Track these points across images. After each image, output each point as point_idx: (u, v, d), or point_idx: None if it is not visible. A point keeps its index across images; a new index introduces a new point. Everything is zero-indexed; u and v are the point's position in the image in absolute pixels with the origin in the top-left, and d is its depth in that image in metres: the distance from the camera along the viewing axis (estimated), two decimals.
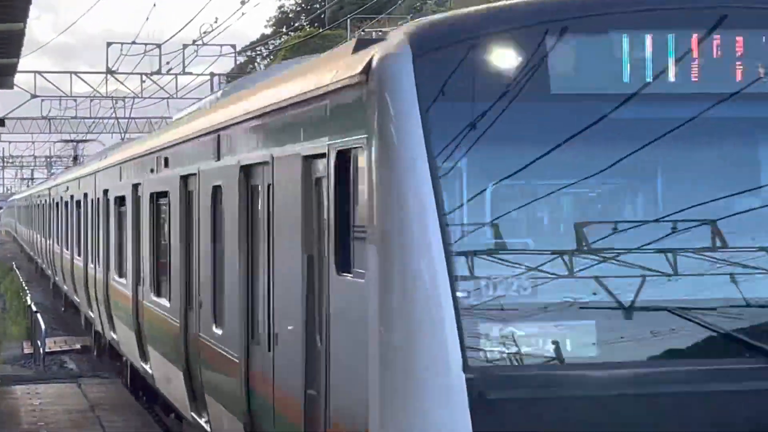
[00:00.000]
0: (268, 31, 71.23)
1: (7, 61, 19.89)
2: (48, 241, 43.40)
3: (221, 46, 47.33)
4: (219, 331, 12.23)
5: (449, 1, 54.03)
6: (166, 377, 16.18)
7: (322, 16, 56.05)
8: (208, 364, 12.97)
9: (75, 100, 57.69)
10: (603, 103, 7.35)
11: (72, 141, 61.23)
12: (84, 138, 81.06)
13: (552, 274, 7.17)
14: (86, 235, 27.59)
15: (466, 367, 6.86)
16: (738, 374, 7.13)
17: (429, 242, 6.96)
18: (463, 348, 6.89)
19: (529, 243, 7.40)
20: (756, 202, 7.54)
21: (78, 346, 32.09)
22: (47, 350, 29.70)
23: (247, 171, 10.99)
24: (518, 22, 7.39)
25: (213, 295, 12.58)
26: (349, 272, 7.86)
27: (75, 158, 47.54)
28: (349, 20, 49.50)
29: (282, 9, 71.97)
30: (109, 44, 46.47)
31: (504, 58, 7.28)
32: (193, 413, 14.16)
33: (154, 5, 40.83)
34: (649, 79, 7.42)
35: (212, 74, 50.42)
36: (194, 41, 45.05)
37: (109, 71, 47.35)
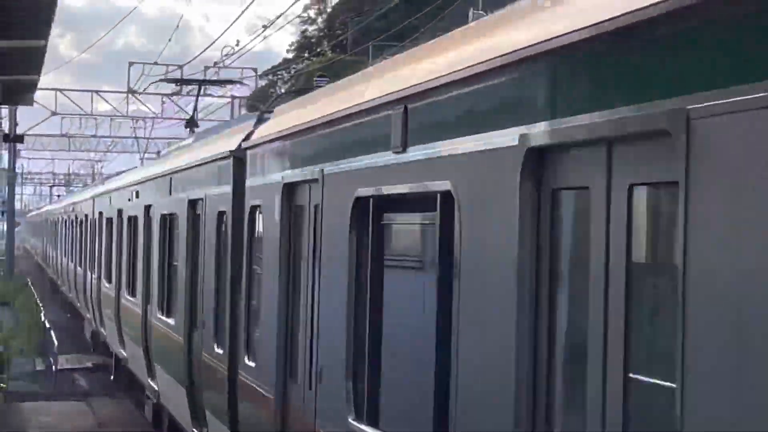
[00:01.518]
0: (291, 55, 71.45)
1: (28, 78, 19.93)
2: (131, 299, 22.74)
3: (242, 69, 47.46)
4: None
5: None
6: None
7: (344, 42, 56.19)
8: None
9: (95, 119, 57.89)
10: None
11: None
12: (102, 157, 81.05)
13: None
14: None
15: None
16: None
17: None
18: None
19: None
20: None
21: (89, 364, 32.07)
22: (59, 367, 29.68)
23: None
24: None
25: None
26: None
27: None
28: (371, 46, 49.60)
29: (305, 34, 72.18)
30: (131, 64, 46.67)
31: None
32: None
33: (177, 26, 40.99)
34: None
35: (233, 97, 50.54)
36: (216, 63, 45.20)
37: (131, 91, 47.50)
